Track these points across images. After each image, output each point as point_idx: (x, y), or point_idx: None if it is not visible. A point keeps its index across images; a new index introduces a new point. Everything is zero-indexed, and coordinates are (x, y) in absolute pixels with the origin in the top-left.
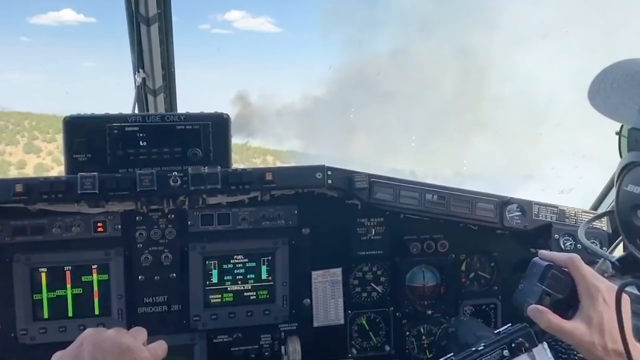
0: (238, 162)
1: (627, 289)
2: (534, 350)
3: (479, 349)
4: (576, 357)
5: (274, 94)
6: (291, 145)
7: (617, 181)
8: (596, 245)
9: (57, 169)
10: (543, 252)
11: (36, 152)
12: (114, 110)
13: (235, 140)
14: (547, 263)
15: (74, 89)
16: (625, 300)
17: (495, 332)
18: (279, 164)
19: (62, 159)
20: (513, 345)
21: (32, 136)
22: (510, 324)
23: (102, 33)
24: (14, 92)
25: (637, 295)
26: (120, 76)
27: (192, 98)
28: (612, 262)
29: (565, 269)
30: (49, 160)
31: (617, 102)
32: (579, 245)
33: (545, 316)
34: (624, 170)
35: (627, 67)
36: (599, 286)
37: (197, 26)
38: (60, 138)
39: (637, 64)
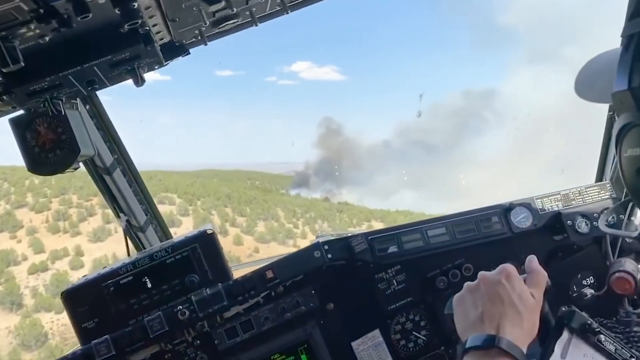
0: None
1: None
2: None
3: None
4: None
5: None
6: (398, 198)
7: (616, 150)
8: (614, 221)
9: None
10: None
11: None
12: None
13: (317, 193)
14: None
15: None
16: None
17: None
18: None
19: None
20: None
21: None
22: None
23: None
24: None
25: None
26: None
27: (271, 146)
28: (633, 239)
29: None
30: None
31: (604, 86)
32: (595, 223)
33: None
34: (619, 136)
35: (611, 54)
36: None
37: (264, 79)
38: None
39: (616, 53)
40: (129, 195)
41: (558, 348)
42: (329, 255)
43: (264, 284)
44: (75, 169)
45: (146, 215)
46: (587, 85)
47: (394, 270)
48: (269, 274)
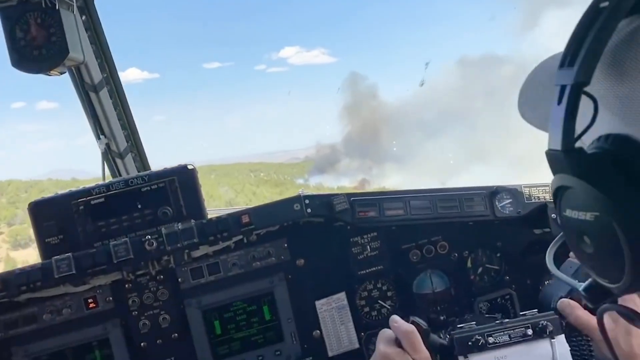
0: None
1: None
2: (556, 337)
3: (503, 321)
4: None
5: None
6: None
7: (555, 207)
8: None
9: None
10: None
11: None
12: None
13: (346, 179)
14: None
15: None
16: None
17: (522, 313)
18: None
19: None
20: (538, 327)
21: None
22: (536, 310)
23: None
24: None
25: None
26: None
27: (269, 135)
28: (580, 292)
29: None
30: None
31: (547, 111)
32: None
33: (575, 310)
34: (556, 195)
35: (552, 67)
36: (635, 297)
37: (253, 68)
38: None
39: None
40: (113, 118)
41: None
42: (309, 210)
43: (238, 228)
44: (61, 73)
45: (127, 142)
46: (529, 107)
47: (369, 237)
48: (245, 219)
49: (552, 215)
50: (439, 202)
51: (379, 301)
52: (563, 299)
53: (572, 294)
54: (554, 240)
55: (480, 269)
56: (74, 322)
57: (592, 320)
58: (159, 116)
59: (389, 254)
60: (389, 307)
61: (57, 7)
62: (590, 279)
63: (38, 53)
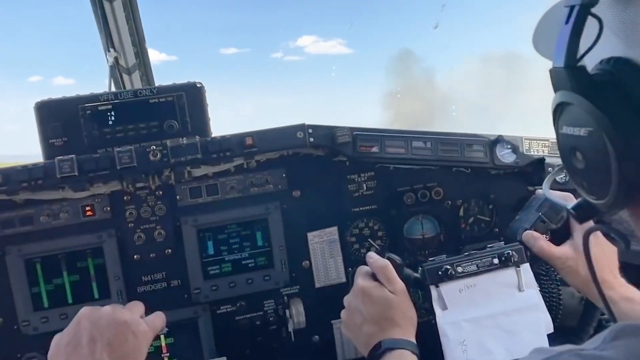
0: None
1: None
2: (521, 266)
3: (471, 252)
4: (556, 278)
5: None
6: None
7: (554, 124)
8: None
9: None
10: (552, 191)
11: None
12: None
13: None
14: (546, 197)
15: None
16: (605, 242)
17: (488, 246)
18: None
19: None
20: (504, 256)
21: None
22: (503, 242)
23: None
24: None
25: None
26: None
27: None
28: (568, 210)
29: None
30: None
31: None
32: None
33: (538, 241)
34: (555, 112)
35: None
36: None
37: (269, 55)
38: None
39: None
40: (124, 32)
41: (436, 306)
42: (311, 139)
43: (241, 149)
44: None
45: (136, 59)
46: (544, 39)
47: (366, 176)
48: (249, 141)
49: (549, 169)
50: (441, 145)
51: (369, 239)
52: (527, 231)
53: (535, 225)
54: (552, 172)
55: (471, 219)
56: (69, 227)
57: (554, 250)
58: None
59: (384, 195)
60: (378, 247)
61: None
62: (579, 199)
63: None
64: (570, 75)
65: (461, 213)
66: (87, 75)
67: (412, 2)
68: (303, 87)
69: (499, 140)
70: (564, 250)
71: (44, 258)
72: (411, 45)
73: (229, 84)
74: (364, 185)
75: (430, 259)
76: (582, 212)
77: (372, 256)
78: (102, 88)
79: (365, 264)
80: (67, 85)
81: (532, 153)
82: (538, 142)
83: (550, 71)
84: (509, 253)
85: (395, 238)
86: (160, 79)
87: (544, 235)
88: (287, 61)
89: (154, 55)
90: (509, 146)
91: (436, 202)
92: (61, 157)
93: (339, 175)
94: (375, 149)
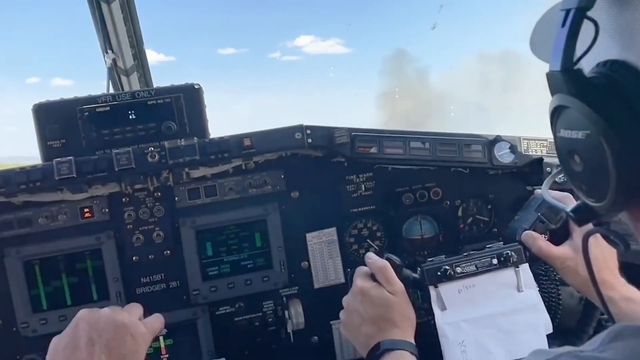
0: None
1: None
2: (520, 266)
3: (470, 253)
4: (555, 278)
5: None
6: None
7: (551, 127)
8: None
9: None
10: (551, 191)
11: None
12: None
13: None
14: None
15: None
16: (603, 245)
17: (487, 246)
18: None
19: None
20: (503, 257)
21: None
22: (502, 242)
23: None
24: None
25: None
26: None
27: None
28: (567, 213)
29: None
30: None
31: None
32: None
33: (537, 241)
34: (553, 116)
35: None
36: None
37: (267, 55)
38: None
39: None
40: (122, 33)
41: (435, 306)
42: (310, 140)
43: (239, 150)
44: None
45: (134, 60)
46: (541, 42)
47: (365, 176)
48: (247, 142)
49: (548, 169)
50: (439, 146)
51: (368, 240)
52: (526, 231)
53: (534, 225)
54: (552, 174)
55: (470, 219)
56: (68, 229)
57: (553, 250)
58: None
59: (382, 196)
60: (377, 247)
61: None
62: (578, 202)
63: None
64: (567, 79)
65: (460, 213)
66: (86, 77)
67: (410, 2)
68: (301, 87)
69: (497, 140)
70: (563, 250)
71: (42, 260)
72: (408, 45)
73: (226, 85)
74: (363, 185)
75: (429, 259)
76: (581, 214)
77: (371, 257)
78: (100, 89)
79: (364, 264)
80: (65, 86)
81: (530, 153)
82: (536, 142)
83: (547, 75)
84: (507, 253)
85: (394, 238)
86: (159, 80)
87: (543, 235)
88: (285, 61)
89: (152, 56)
90: (507, 146)
91: (435, 202)
92: (59, 159)
93: (338, 176)
94: (373, 150)
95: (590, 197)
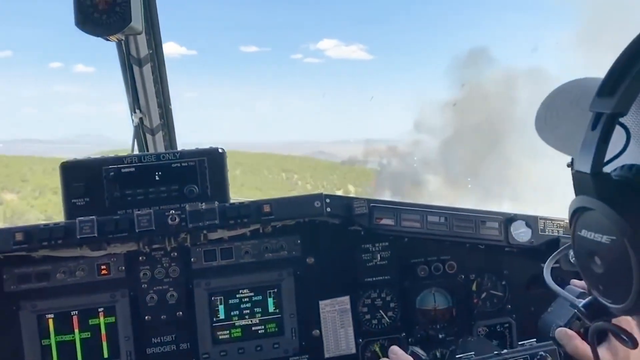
0: None
1: None
2: None
3: (501, 352)
4: None
5: None
6: None
7: (570, 225)
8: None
9: None
10: (576, 281)
11: None
12: None
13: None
14: (581, 290)
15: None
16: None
17: (520, 343)
18: None
19: None
20: (536, 358)
21: None
22: (534, 339)
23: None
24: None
25: None
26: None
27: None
28: (578, 309)
29: None
30: None
31: (567, 132)
32: None
33: (573, 340)
34: (574, 215)
35: (571, 91)
36: (630, 320)
37: (289, 56)
38: None
39: (580, 87)
40: (151, 94)
41: None
42: (328, 209)
43: (258, 216)
44: (119, 40)
45: (160, 119)
46: (547, 125)
47: (381, 246)
48: (266, 208)
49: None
50: (455, 221)
51: (381, 311)
52: (561, 328)
53: (570, 323)
54: (554, 254)
55: (484, 294)
56: (84, 285)
57: (589, 350)
58: (191, 93)
59: (397, 266)
60: (390, 318)
61: None
62: (590, 297)
63: (101, 17)
64: (596, 182)
65: (474, 288)
66: (107, 64)
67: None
68: (322, 90)
69: (514, 218)
70: (600, 353)
71: (56, 314)
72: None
73: (247, 82)
74: (378, 255)
75: (457, 356)
76: (593, 312)
77: (396, 352)
78: (118, 78)
79: (376, 334)
80: (87, 72)
81: (547, 233)
82: (553, 222)
83: (574, 174)
84: (541, 354)
85: (408, 310)
86: (178, 75)
87: (579, 332)
88: (306, 63)
89: (174, 49)
90: (524, 226)
91: (449, 275)
92: (82, 218)
93: (354, 244)
94: (390, 222)
95: (608, 297)
